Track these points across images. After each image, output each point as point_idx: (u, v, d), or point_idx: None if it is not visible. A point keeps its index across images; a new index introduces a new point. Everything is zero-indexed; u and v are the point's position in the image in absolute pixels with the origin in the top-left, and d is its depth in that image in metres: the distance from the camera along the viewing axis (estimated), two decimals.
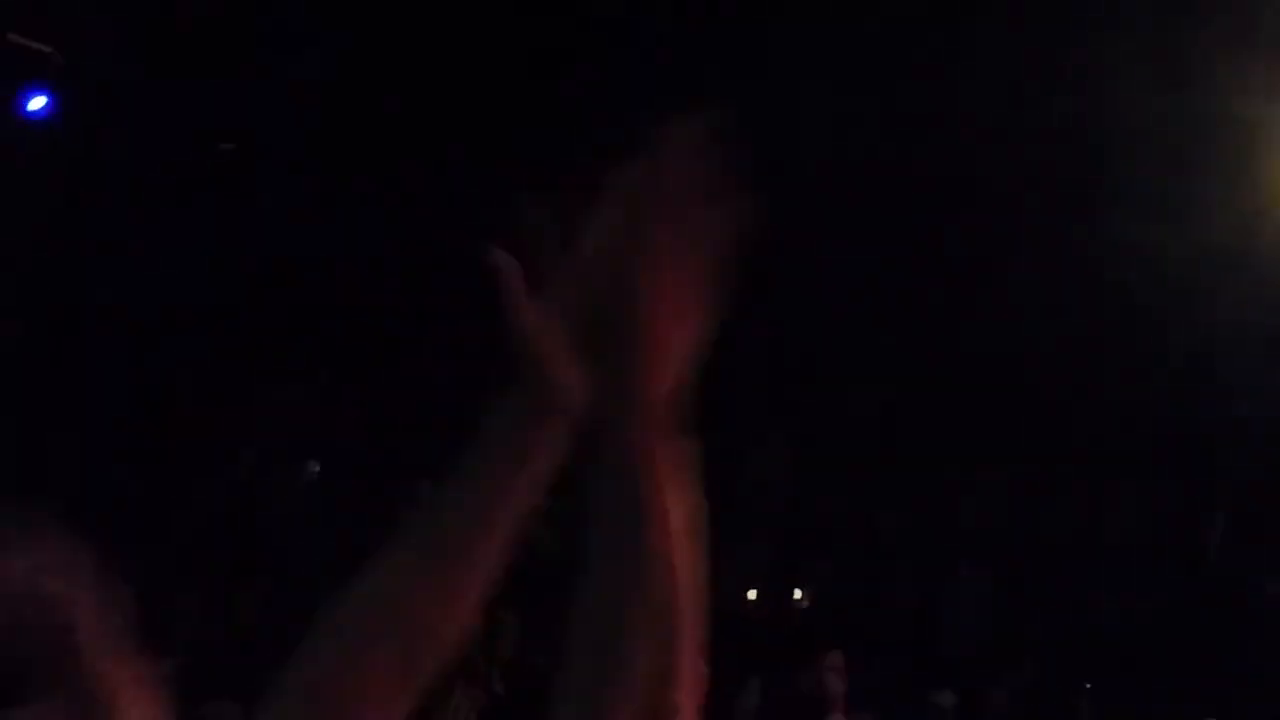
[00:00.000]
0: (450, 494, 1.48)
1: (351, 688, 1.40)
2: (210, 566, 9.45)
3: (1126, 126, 8.73)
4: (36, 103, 10.80)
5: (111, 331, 11.39)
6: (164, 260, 11.17)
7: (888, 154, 9.44)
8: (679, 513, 1.39)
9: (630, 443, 1.39)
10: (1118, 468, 12.29)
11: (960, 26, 8.72)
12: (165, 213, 11.08)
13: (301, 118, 10.44)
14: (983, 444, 12.05)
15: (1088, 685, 11.37)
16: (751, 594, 12.80)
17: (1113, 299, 10.22)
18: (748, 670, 8.70)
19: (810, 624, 12.69)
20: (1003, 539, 12.42)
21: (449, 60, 9.72)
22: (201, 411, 11.95)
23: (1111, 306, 10.33)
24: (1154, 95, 8.52)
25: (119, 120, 10.63)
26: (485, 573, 1.46)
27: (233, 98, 10.44)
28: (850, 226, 9.97)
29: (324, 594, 1.44)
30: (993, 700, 10.90)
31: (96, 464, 10.98)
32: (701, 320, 1.44)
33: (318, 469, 13.15)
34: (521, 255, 1.45)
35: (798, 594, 13.48)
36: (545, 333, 1.44)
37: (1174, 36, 8.33)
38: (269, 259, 11.23)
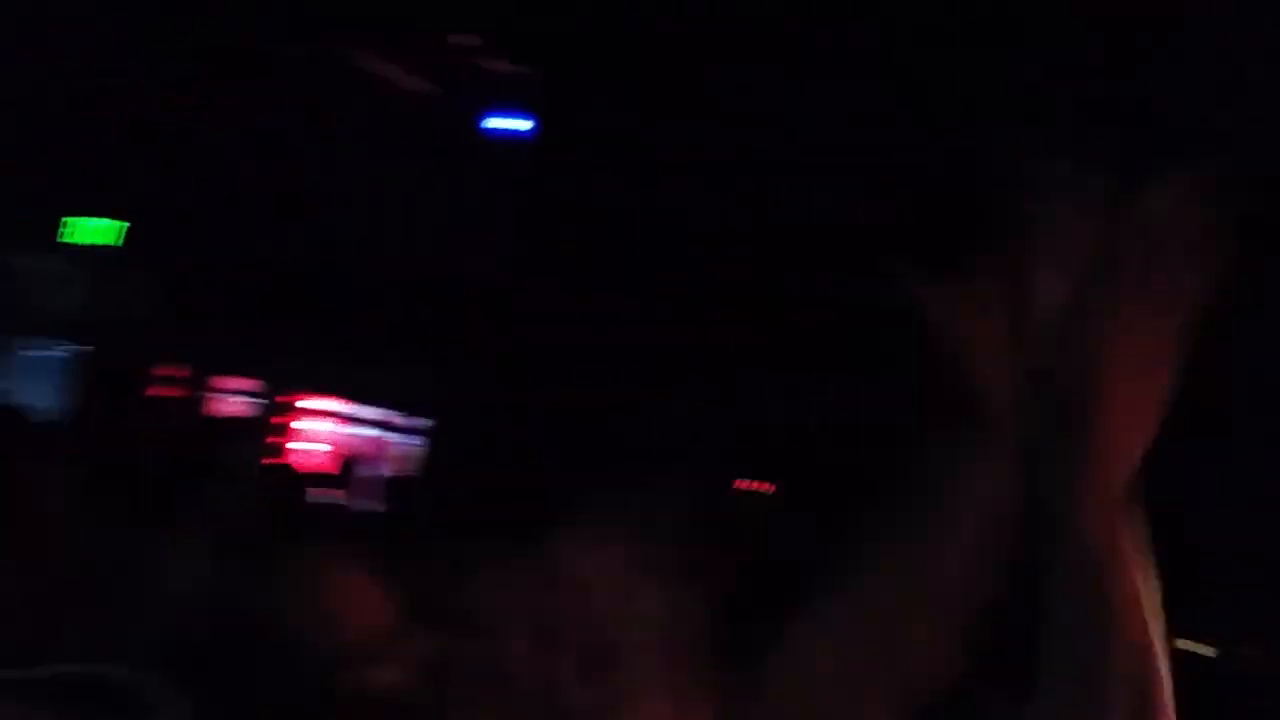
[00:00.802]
0: (895, 518, 1.44)
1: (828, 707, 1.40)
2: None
3: None
4: (517, 125, 11.28)
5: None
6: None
7: None
8: (1143, 600, 1.28)
9: (1089, 533, 1.29)
10: None
11: None
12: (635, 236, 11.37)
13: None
14: None
15: None
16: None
17: None
18: None
19: None
20: None
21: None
22: None
23: None
24: None
25: (597, 140, 10.95)
26: (944, 605, 1.41)
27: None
28: None
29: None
30: None
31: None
32: (1164, 391, 1.33)
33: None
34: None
35: None
36: (978, 347, 1.38)
37: None
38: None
